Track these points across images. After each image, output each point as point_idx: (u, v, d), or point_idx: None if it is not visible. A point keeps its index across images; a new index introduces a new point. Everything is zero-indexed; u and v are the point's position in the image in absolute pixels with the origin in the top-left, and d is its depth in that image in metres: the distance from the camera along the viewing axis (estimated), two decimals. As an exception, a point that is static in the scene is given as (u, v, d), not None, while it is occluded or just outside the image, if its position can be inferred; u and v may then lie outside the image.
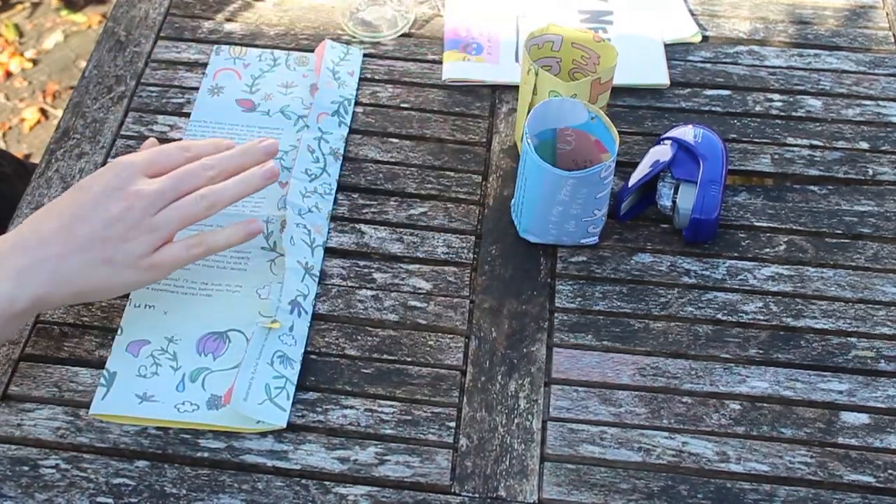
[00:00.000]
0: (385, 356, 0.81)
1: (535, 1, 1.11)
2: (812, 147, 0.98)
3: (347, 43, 1.05)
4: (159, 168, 0.78)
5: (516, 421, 0.78)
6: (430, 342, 0.82)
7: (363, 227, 0.90)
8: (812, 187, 0.95)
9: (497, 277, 0.87)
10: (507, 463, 0.75)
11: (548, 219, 0.85)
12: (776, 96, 1.02)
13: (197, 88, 1.00)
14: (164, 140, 0.94)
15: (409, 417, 0.77)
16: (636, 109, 1.01)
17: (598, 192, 0.84)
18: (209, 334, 0.81)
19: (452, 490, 0.74)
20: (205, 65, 1.03)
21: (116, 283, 0.76)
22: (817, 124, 1.00)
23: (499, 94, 1.02)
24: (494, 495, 0.74)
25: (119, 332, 0.81)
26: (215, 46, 1.04)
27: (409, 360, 0.81)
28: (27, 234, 0.74)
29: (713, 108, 1.01)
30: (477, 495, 0.74)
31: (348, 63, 1.03)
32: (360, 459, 0.75)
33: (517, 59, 1.04)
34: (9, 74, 2.20)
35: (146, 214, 0.76)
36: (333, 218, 0.90)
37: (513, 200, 0.90)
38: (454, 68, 1.03)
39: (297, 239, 0.86)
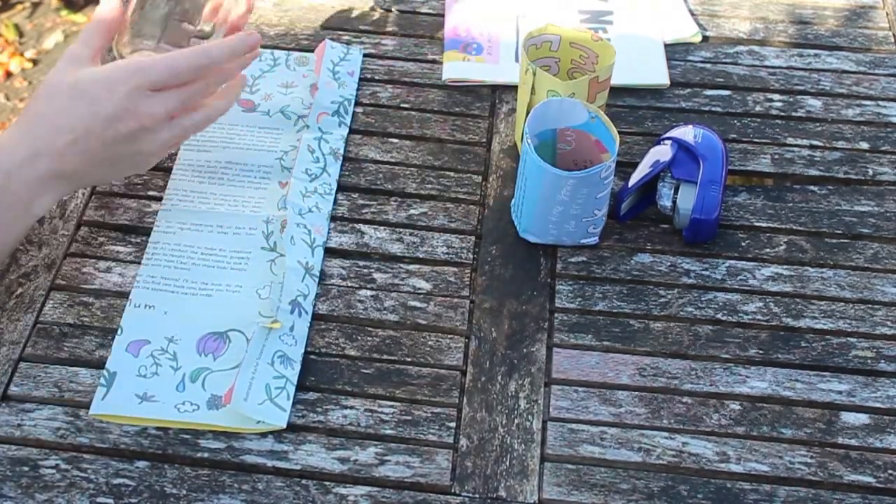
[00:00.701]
0: (385, 356, 0.81)
1: (535, 1, 1.11)
2: (812, 147, 0.98)
3: (348, 43, 1.05)
4: (170, 86, 0.80)
5: (516, 421, 0.78)
6: (430, 342, 0.82)
7: (363, 227, 0.90)
8: (812, 187, 0.95)
9: (497, 277, 0.87)
10: (508, 463, 0.75)
11: (548, 219, 0.85)
12: (776, 96, 1.02)
13: (197, 88, 1.00)
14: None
15: (409, 417, 0.77)
16: (636, 109, 1.01)
17: (599, 193, 0.84)
18: (209, 334, 0.81)
19: (452, 490, 0.74)
20: (205, 65, 1.02)
21: (119, 173, 0.87)
22: (817, 124, 1.00)
23: (499, 94, 1.02)
24: (494, 495, 0.74)
25: (119, 332, 0.81)
26: (215, 46, 1.04)
27: (409, 360, 0.81)
28: (42, 145, 0.78)
29: (713, 108, 1.01)
30: (477, 495, 0.74)
31: (348, 63, 1.03)
32: (360, 460, 0.75)
33: (517, 59, 1.04)
34: (9, 74, 2.20)
35: (153, 132, 0.81)
36: (333, 218, 0.90)
37: (513, 200, 0.90)
38: (454, 68, 1.03)
39: (298, 239, 0.86)
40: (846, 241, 0.90)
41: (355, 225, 0.90)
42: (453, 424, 0.77)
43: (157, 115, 0.80)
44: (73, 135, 0.78)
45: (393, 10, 1.10)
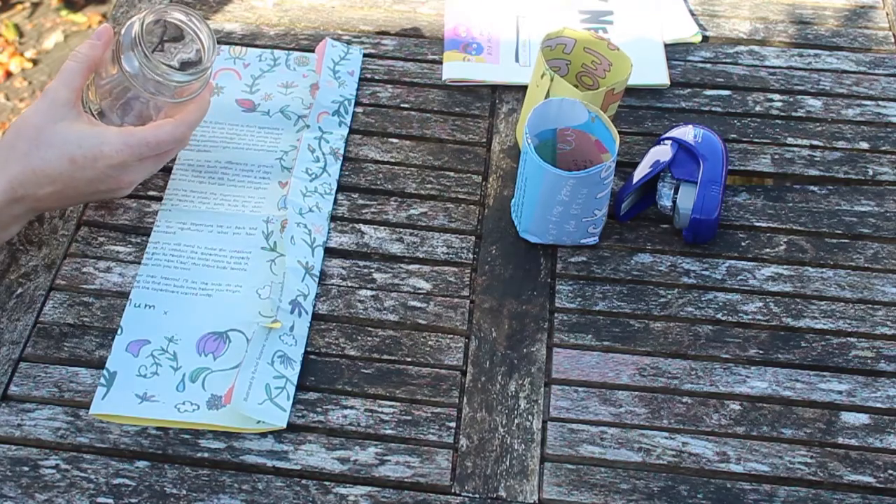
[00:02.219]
0: (385, 356, 0.81)
1: (536, 1, 1.11)
2: (812, 147, 0.98)
3: (348, 43, 1.05)
4: (159, 152, 0.84)
5: (516, 421, 0.78)
6: (430, 342, 0.82)
7: (363, 227, 0.90)
8: (812, 187, 0.95)
9: (497, 277, 0.87)
10: (508, 463, 0.75)
11: (548, 219, 0.85)
12: (776, 96, 1.02)
13: (197, 88, 1.00)
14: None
15: (410, 417, 0.77)
16: (636, 109, 1.01)
17: (599, 193, 0.84)
18: (209, 334, 0.81)
19: (452, 490, 0.74)
20: (205, 65, 1.02)
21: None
22: (817, 124, 1.00)
23: (499, 94, 1.02)
24: (494, 495, 0.74)
25: (119, 332, 0.81)
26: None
27: (409, 360, 0.81)
28: (23, 192, 0.81)
29: (713, 108, 1.01)
30: (477, 495, 0.74)
31: (349, 62, 1.03)
32: (360, 459, 0.75)
33: (517, 59, 1.04)
34: (9, 74, 2.20)
35: (131, 184, 0.85)
36: (333, 218, 0.90)
37: (513, 200, 0.90)
38: (454, 68, 1.03)
39: (298, 238, 0.86)
40: (846, 241, 0.90)
41: (355, 225, 0.90)
42: (453, 424, 0.77)
43: (137, 180, 0.85)
44: (54, 187, 0.81)
45: (393, 10, 1.10)
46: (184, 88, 0.84)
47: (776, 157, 0.97)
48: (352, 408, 0.78)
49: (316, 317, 0.83)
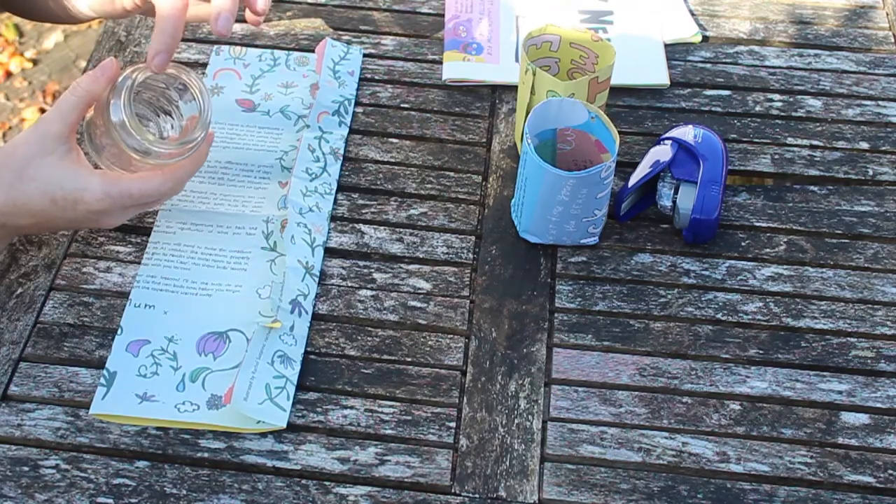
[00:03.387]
0: (385, 356, 0.81)
1: (535, 1, 1.11)
2: (812, 147, 0.98)
3: (348, 43, 1.05)
4: (145, 203, 0.83)
5: (516, 421, 0.78)
6: (430, 342, 0.82)
7: (363, 227, 0.90)
8: (812, 187, 0.95)
9: (497, 277, 0.87)
10: (508, 463, 0.75)
11: (548, 219, 0.85)
12: (776, 96, 1.02)
13: (197, 88, 1.00)
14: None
15: (410, 417, 0.77)
16: (636, 109, 1.01)
17: (599, 193, 0.84)
18: (209, 334, 0.81)
19: (452, 490, 0.74)
20: (205, 65, 1.03)
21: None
22: (817, 124, 1.00)
23: (499, 94, 1.02)
24: (494, 495, 0.74)
25: (119, 331, 0.81)
26: (215, 46, 1.04)
27: (409, 360, 0.81)
28: (3, 221, 0.80)
29: (713, 108, 1.01)
30: (477, 495, 0.74)
31: (349, 62, 1.03)
32: (360, 459, 0.75)
33: (517, 59, 1.04)
34: (9, 74, 2.20)
35: (112, 224, 0.84)
36: (333, 218, 0.90)
37: (513, 200, 0.90)
38: (454, 68, 1.03)
39: (298, 238, 0.86)
40: (846, 241, 0.90)
41: (355, 225, 0.90)
42: (453, 424, 0.77)
43: (119, 223, 0.84)
44: (34, 220, 0.81)
45: (393, 10, 1.10)
46: (171, 154, 0.81)
47: (776, 157, 0.97)
48: (352, 408, 0.78)
49: (316, 317, 0.83)
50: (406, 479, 0.74)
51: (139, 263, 0.86)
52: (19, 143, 0.80)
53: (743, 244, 0.90)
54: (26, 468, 0.74)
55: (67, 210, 0.80)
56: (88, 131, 0.82)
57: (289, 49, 1.04)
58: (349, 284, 0.86)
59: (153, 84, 0.82)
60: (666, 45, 1.06)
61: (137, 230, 0.89)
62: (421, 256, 0.88)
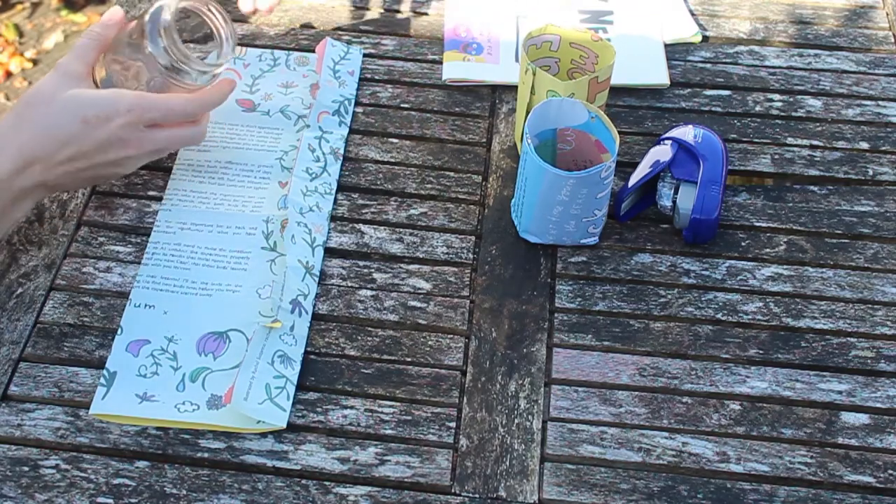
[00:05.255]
0: (385, 356, 0.81)
1: (535, 1, 1.11)
2: (812, 147, 0.98)
3: (348, 43, 1.05)
4: (163, 124, 0.86)
5: (516, 421, 0.78)
6: (430, 342, 0.82)
7: (363, 227, 0.90)
8: (812, 187, 0.95)
9: (497, 277, 0.87)
10: (508, 463, 0.75)
11: (548, 219, 0.85)
12: (776, 96, 1.02)
13: (197, 88, 1.00)
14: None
15: (410, 417, 0.77)
16: (636, 109, 1.01)
17: (599, 193, 0.84)
18: (209, 334, 0.81)
19: (452, 490, 0.74)
20: (205, 65, 1.02)
21: (93, 184, 0.90)
22: (817, 124, 1.00)
23: (499, 94, 1.02)
24: (494, 495, 0.74)
25: (119, 331, 0.81)
26: (215, 46, 1.04)
27: (409, 360, 0.81)
28: (36, 157, 0.81)
29: (713, 108, 1.01)
30: (477, 495, 0.74)
31: (349, 62, 1.03)
32: (360, 459, 0.75)
33: (517, 59, 1.04)
34: (9, 74, 2.20)
35: (136, 159, 0.86)
36: (333, 218, 0.90)
37: (513, 200, 0.90)
38: (454, 68, 1.03)
39: (298, 238, 0.86)
40: (846, 241, 0.90)
41: (355, 225, 0.90)
42: (453, 424, 0.77)
43: (145, 149, 0.85)
44: (67, 152, 0.82)
45: (393, 10, 1.10)
46: (204, 75, 0.87)
47: (776, 157, 0.97)
48: (352, 408, 0.78)
49: (316, 317, 0.83)
50: (406, 479, 0.74)
51: (139, 263, 0.86)
52: (41, 85, 0.83)
53: (743, 244, 0.90)
54: (26, 468, 0.74)
55: (100, 129, 0.82)
56: (109, 72, 0.87)
57: (289, 49, 1.04)
58: (349, 284, 0.86)
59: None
60: (666, 45, 1.06)
61: (137, 230, 0.89)
62: (421, 256, 0.88)
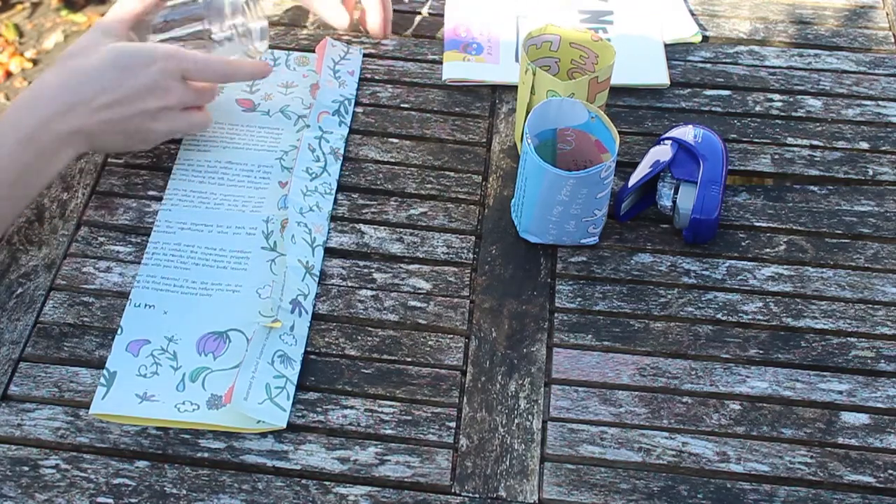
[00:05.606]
0: (385, 356, 0.81)
1: (535, 1, 1.11)
2: (812, 147, 0.98)
3: (348, 43, 1.05)
4: (197, 79, 0.89)
5: (516, 421, 0.78)
6: (430, 342, 0.82)
7: (363, 227, 0.90)
8: (812, 187, 0.95)
9: (497, 277, 0.87)
10: (508, 463, 0.75)
11: (548, 219, 0.85)
12: (776, 96, 1.02)
13: (197, 88, 1.00)
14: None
15: (409, 417, 0.77)
16: (636, 109, 1.01)
17: (599, 192, 0.84)
18: (209, 334, 0.81)
19: (452, 490, 0.74)
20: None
21: (127, 145, 0.91)
22: (817, 124, 1.00)
23: (499, 94, 1.02)
24: (494, 495, 0.74)
25: (119, 331, 0.81)
26: (215, 45, 1.04)
27: (409, 360, 0.81)
28: (78, 100, 0.84)
29: (713, 108, 1.01)
30: (477, 495, 0.74)
31: (349, 62, 1.03)
32: (360, 459, 0.75)
33: (517, 59, 1.04)
34: (9, 74, 2.20)
35: (170, 115, 0.88)
36: (333, 218, 0.90)
37: (513, 200, 0.90)
38: (454, 68, 1.03)
39: (298, 238, 0.86)
40: (846, 241, 0.90)
41: (355, 225, 0.90)
42: (453, 424, 0.77)
43: (181, 100, 0.88)
44: (109, 97, 0.84)
45: (393, 9, 1.10)
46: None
47: (776, 157, 0.97)
48: (352, 408, 0.78)
49: (316, 317, 0.83)
50: (406, 479, 0.74)
51: (139, 263, 0.86)
52: (83, 39, 0.88)
53: (743, 244, 0.90)
54: (26, 468, 0.74)
55: (138, 75, 0.85)
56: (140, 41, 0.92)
57: (289, 49, 1.04)
58: (349, 284, 0.86)
59: None
60: (666, 45, 1.06)
61: (137, 230, 0.89)
62: (421, 256, 0.88)
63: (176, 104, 0.88)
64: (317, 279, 0.85)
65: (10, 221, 0.86)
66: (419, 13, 1.10)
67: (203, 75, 0.89)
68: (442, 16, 1.09)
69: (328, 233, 0.89)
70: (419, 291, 0.85)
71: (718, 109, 1.01)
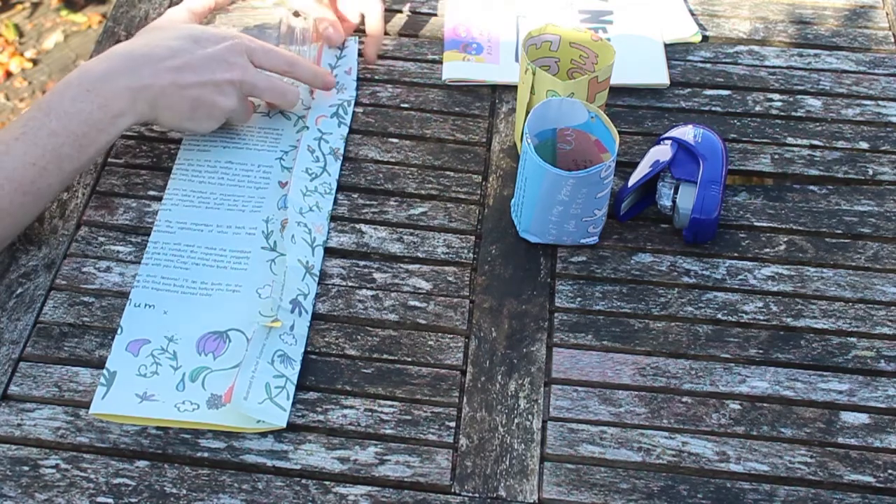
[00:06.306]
0: (385, 356, 0.81)
1: (535, 1, 1.11)
2: (812, 147, 0.98)
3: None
4: (264, 65, 0.92)
5: (516, 421, 0.78)
6: (430, 342, 0.82)
7: (363, 227, 0.90)
8: (812, 187, 0.95)
9: (497, 277, 0.87)
10: (507, 463, 0.75)
11: (548, 219, 0.85)
12: (776, 96, 1.02)
13: (197, 88, 1.00)
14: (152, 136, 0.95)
15: (409, 417, 0.77)
16: (636, 109, 1.01)
17: (598, 192, 0.84)
18: (209, 334, 0.81)
19: (452, 490, 0.74)
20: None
21: (191, 121, 0.90)
22: (817, 124, 1.00)
23: (499, 94, 1.02)
24: (494, 495, 0.74)
25: (119, 331, 0.81)
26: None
27: (409, 360, 0.81)
28: (141, 55, 0.87)
29: (713, 108, 1.01)
30: (477, 495, 0.74)
31: (345, 59, 1.03)
32: (360, 459, 0.75)
33: (517, 59, 1.04)
34: (9, 74, 2.20)
35: (234, 91, 0.90)
36: (333, 218, 0.90)
37: (513, 200, 0.90)
38: (454, 68, 1.03)
39: (298, 237, 0.86)
40: (846, 241, 0.90)
41: (355, 225, 0.90)
42: (453, 424, 0.77)
43: (244, 77, 0.89)
44: (178, 61, 0.86)
45: (393, 10, 1.10)
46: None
47: (776, 157, 0.97)
48: (352, 407, 0.78)
49: (316, 316, 0.83)
50: (406, 479, 0.74)
51: (139, 263, 0.86)
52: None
53: (743, 244, 0.90)
54: (26, 468, 0.74)
55: (208, 47, 0.88)
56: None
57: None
58: (349, 284, 0.86)
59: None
60: (666, 45, 1.06)
61: (137, 230, 0.89)
62: (421, 256, 0.88)
63: (240, 80, 0.89)
64: (317, 279, 0.85)
65: (68, 182, 0.86)
66: (419, 13, 1.10)
67: (268, 58, 0.92)
68: (442, 16, 1.09)
69: (328, 233, 0.89)
70: (419, 291, 0.85)
71: (718, 109, 1.01)
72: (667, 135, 0.91)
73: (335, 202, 0.91)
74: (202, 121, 0.90)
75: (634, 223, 0.91)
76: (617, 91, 0.99)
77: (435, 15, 1.10)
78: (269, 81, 0.92)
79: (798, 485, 0.75)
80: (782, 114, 1.01)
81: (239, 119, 0.94)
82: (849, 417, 0.79)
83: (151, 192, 0.92)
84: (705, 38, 1.08)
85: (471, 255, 0.88)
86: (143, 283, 0.84)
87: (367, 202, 0.92)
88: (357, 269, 0.87)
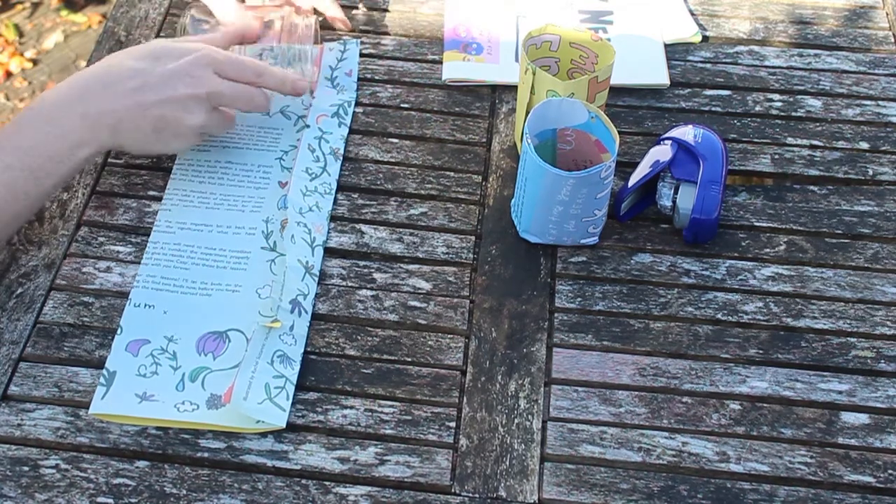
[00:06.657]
0: (385, 356, 0.81)
1: (535, 1, 1.11)
2: (812, 147, 0.98)
3: (344, 42, 1.05)
4: (230, 75, 0.89)
5: (516, 421, 0.78)
6: (430, 342, 0.82)
7: (363, 227, 0.90)
8: (812, 187, 0.95)
9: (497, 277, 0.87)
10: (507, 463, 0.75)
11: (548, 219, 0.85)
12: (776, 96, 1.02)
13: (197, 88, 1.00)
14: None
15: (409, 417, 0.77)
16: (636, 109, 1.01)
17: (599, 192, 0.84)
18: (209, 334, 0.81)
19: (452, 490, 0.74)
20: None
21: (157, 143, 0.88)
22: (817, 124, 1.00)
23: (499, 94, 1.02)
24: (494, 495, 0.74)
25: (119, 331, 0.81)
26: (215, 46, 1.04)
27: (409, 360, 0.81)
28: (96, 80, 0.84)
29: (713, 108, 1.01)
30: (477, 495, 0.74)
31: (346, 62, 1.03)
32: (360, 459, 0.75)
33: (517, 59, 1.04)
34: (9, 74, 2.20)
35: (200, 108, 0.87)
36: (333, 218, 0.90)
37: (513, 200, 0.90)
38: (454, 68, 1.03)
39: (298, 237, 0.86)
40: (846, 241, 0.90)
41: (355, 225, 0.90)
42: (453, 424, 0.77)
43: (211, 89, 0.86)
44: (137, 81, 0.84)
45: (393, 10, 1.10)
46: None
47: (776, 157, 0.97)
48: (352, 408, 0.78)
49: (316, 317, 0.83)
50: (406, 479, 0.74)
51: (139, 263, 0.86)
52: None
53: (743, 244, 0.90)
54: (26, 468, 0.74)
55: (168, 64, 0.85)
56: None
57: (289, 49, 1.04)
58: (349, 284, 0.86)
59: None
60: (666, 45, 1.06)
61: (137, 230, 0.89)
62: (421, 256, 0.88)
63: (206, 95, 0.86)
64: (316, 279, 0.85)
65: (25, 218, 0.83)
66: (419, 13, 1.10)
67: (235, 69, 0.88)
68: (442, 16, 1.09)
69: (328, 233, 0.89)
70: (419, 291, 0.85)
71: (718, 109, 1.01)
72: (667, 135, 0.91)
73: (335, 202, 0.91)
74: (170, 141, 0.87)
75: (634, 223, 0.91)
76: (617, 91, 0.99)
77: (435, 15, 1.10)
78: (234, 89, 0.88)
79: (798, 485, 0.75)
80: (782, 114, 1.01)
81: (216, 131, 0.91)
82: (849, 418, 0.79)
83: (151, 193, 0.92)
84: (705, 39, 1.08)
85: (471, 255, 0.88)
86: (142, 283, 0.84)
87: (367, 202, 0.92)
88: (357, 269, 0.87)
